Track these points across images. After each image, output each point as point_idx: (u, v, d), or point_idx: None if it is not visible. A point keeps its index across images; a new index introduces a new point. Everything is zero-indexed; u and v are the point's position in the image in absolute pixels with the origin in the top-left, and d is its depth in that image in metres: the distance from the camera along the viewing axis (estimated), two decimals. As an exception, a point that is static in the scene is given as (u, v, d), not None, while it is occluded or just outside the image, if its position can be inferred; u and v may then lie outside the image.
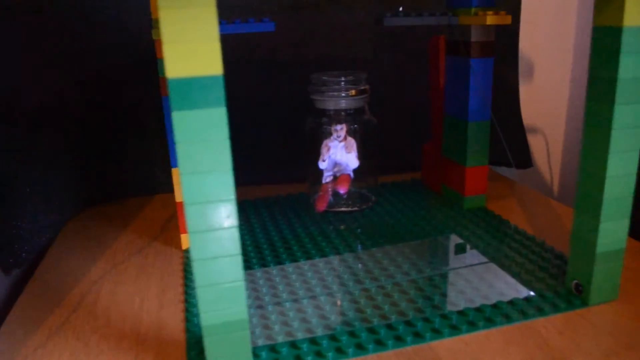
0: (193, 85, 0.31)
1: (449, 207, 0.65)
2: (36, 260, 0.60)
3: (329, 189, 0.65)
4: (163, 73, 0.51)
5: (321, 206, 0.64)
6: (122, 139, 0.72)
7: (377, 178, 0.67)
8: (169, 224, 0.65)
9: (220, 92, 0.32)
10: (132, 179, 0.73)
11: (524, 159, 0.83)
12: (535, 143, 0.94)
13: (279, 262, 0.53)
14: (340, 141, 0.62)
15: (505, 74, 0.82)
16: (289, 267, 0.52)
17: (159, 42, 0.49)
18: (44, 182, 0.60)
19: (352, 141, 0.62)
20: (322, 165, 0.63)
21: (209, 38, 0.30)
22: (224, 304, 0.36)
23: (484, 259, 0.52)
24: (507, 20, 0.55)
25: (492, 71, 0.59)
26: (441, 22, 0.58)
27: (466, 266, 0.52)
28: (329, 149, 0.62)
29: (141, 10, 0.67)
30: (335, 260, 0.53)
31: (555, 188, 0.98)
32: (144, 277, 0.53)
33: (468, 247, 0.55)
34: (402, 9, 0.59)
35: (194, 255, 0.34)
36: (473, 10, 0.56)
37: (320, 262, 0.53)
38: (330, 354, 0.39)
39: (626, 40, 0.38)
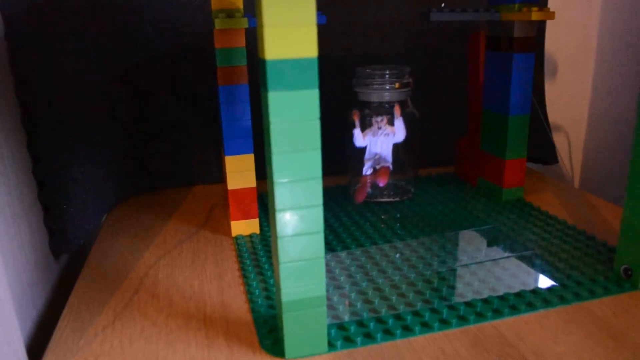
0: (290, 67, 0.33)
1: (487, 199, 0.67)
2: (84, 246, 0.61)
3: (368, 181, 0.66)
4: (222, 63, 0.52)
5: (360, 197, 0.66)
6: (160, 130, 0.73)
7: (417, 171, 0.69)
8: (213, 212, 0.66)
9: (314, 74, 0.33)
10: (170, 171, 0.75)
11: (549, 155, 0.85)
12: (556, 139, 0.96)
13: (331, 248, 0.55)
14: (379, 128, 0.63)
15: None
16: (342, 254, 0.54)
17: (220, 32, 0.51)
18: (92, 170, 0.61)
19: (391, 128, 0.63)
20: (359, 141, 0.63)
21: (307, 22, 0.32)
22: (305, 280, 0.37)
23: (531, 247, 0.54)
24: (552, 16, 0.57)
25: (533, 66, 0.61)
26: (484, 18, 0.60)
27: (516, 254, 0.53)
28: (358, 116, 0.63)
29: (184, 3, 0.69)
30: (385, 247, 0.55)
31: (576, 183, 1.00)
32: (198, 262, 0.54)
33: (514, 235, 0.57)
34: (444, 5, 0.61)
35: (280, 232, 0.36)
36: (517, 6, 0.58)
37: (371, 249, 0.55)
38: (398, 332, 0.41)
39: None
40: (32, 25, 0.53)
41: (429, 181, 0.75)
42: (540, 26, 0.83)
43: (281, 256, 0.36)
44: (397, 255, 0.53)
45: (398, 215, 0.63)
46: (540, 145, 0.82)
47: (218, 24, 0.49)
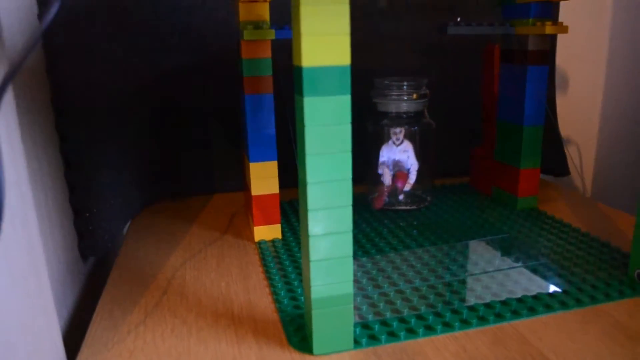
0: (325, 74, 0.35)
1: (503, 207, 0.68)
2: (111, 249, 0.63)
3: (386, 190, 0.68)
4: (248, 73, 0.55)
5: (378, 204, 0.68)
6: (182, 139, 0.75)
7: (433, 180, 0.71)
8: (235, 219, 0.68)
9: (347, 81, 0.35)
10: (191, 178, 0.77)
11: (561, 167, 0.87)
12: (567, 151, 0.97)
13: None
14: (398, 145, 0.66)
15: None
16: (362, 258, 0.55)
17: (247, 43, 0.53)
18: (120, 175, 0.63)
19: (409, 145, 0.66)
20: (383, 171, 0.67)
21: (342, 32, 0.34)
22: (334, 277, 0.39)
23: (546, 255, 0.56)
24: (565, 30, 0.59)
25: (546, 78, 0.63)
26: (499, 32, 0.62)
27: (533, 259, 0.55)
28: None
29: (208, 16, 0.72)
30: (405, 252, 0.57)
31: (588, 194, 1.01)
32: (224, 265, 0.56)
33: (531, 242, 0.59)
34: (460, 19, 0.63)
35: (311, 231, 0.38)
36: (531, 20, 0.60)
37: (390, 254, 0.56)
38: (420, 330, 0.42)
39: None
40: (68, 33, 0.55)
41: (444, 190, 0.76)
42: (552, 39, 0.85)
43: (312, 254, 0.38)
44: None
45: (415, 223, 0.64)
46: (552, 156, 0.84)
47: (246, 35, 0.52)
